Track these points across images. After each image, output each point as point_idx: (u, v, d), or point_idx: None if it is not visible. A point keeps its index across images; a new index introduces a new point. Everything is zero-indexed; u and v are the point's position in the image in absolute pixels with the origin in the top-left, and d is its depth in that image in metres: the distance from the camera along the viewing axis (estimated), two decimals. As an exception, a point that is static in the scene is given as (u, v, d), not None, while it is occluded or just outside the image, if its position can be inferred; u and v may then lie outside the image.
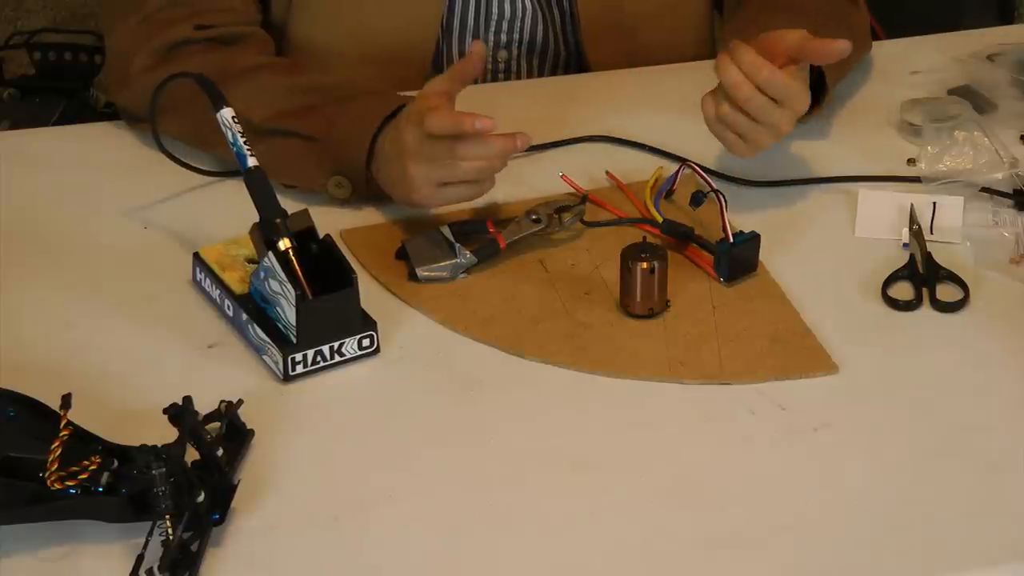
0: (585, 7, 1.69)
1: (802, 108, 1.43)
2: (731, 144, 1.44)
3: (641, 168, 1.53)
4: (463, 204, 1.44)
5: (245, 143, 1.32)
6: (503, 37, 1.70)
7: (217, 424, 1.18)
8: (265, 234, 1.30)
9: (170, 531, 1.07)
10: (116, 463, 1.12)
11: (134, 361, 1.30)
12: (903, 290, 1.38)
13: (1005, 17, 2.80)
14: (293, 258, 1.28)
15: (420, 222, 1.44)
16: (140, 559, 1.07)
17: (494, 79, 1.73)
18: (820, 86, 1.55)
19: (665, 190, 1.47)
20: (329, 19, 1.64)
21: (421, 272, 1.38)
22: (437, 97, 1.36)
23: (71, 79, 3.11)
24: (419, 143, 1.36)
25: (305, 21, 1.64)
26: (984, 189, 1.51)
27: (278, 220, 1.30)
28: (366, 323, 1.29)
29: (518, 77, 1.74)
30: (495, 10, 1.67)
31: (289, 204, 1.34)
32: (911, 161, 1.56)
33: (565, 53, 1.74)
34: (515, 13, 1.68)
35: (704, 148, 1.54)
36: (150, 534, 1.08)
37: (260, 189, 1.31)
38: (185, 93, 1.40)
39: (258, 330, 1.28)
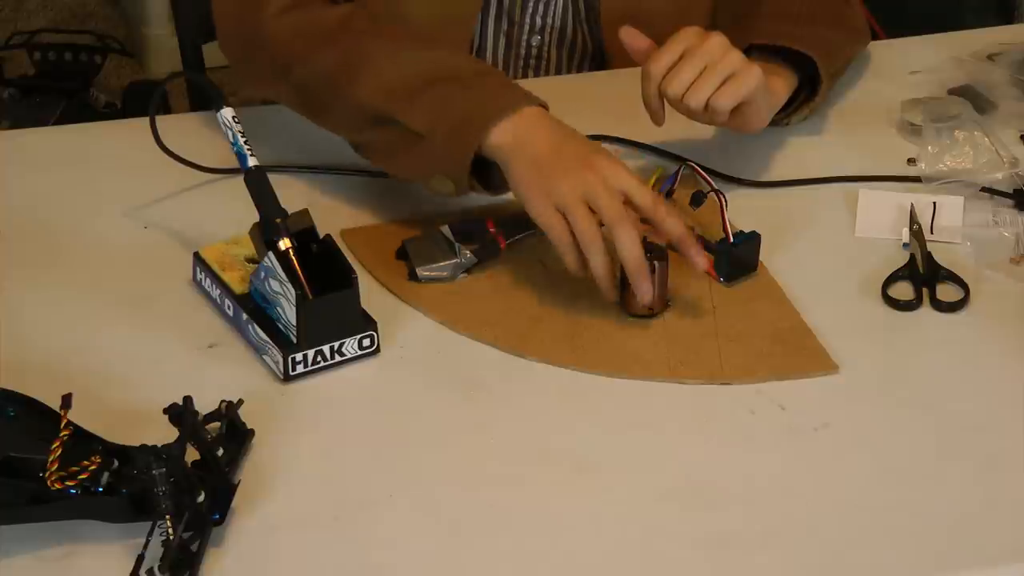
0: (606, 0, 1.68)
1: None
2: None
3: (641, 168, 1.53)
4: (463, 204, 1.44)
5: (245, 143, 1.32)
6: (538, 21, 1.70)
7: (217, 424, 1.18)
8: (265, 234, 1.30)
9: (170, 531, 1.07)
10: (116, 463, 1.12)
11: (134, 361, 1.30)
12: (903, 290, 1.38)
13: (1005, 17, 2.79)
14: (293, 258, 1.28)
15: (420, 222, 1.44)
16: (140, 559, 1.07)
17: (526, 64, 1.72)
18: (815, 79, 1.56)
19: (665, 190, 1.47)
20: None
21: (421, 272, 1.38)
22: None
23: (71, 79, 3.11)
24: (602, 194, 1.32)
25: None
26: (984, 189, 1.51)
27: (278, 220, 1.30)
28: (366, 323, 1.29)
29: (547, 65, 1.73)
30: None
31: (289, 204, 1.34)
32: (911, 161, 1.56)
33: (591, 46, 1.74)
34: None
35: (704, 148, 1.55)
36: (150, 534, 1.08)
37: (260, 189, 1.31)
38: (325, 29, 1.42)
39: (258, 330, 1.28)
